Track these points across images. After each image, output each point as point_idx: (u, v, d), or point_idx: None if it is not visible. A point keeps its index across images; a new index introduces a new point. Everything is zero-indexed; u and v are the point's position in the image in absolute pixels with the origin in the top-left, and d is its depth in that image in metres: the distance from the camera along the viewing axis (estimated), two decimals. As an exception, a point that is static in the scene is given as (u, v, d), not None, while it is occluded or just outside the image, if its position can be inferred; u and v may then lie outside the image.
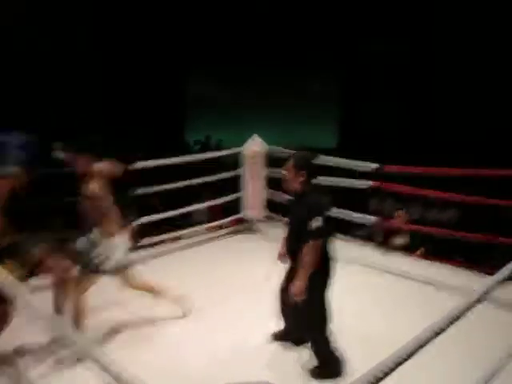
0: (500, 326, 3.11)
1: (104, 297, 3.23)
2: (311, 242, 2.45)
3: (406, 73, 10.86)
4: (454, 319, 1.06)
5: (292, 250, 2.64)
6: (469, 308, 1.13)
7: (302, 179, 2.58)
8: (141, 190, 4.62)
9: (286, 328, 2.96)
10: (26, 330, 2.74)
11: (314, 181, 2.65)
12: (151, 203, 6.14)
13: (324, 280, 2.60)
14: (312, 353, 2.66)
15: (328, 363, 2.65)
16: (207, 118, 12.82)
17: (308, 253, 2.46)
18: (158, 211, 5.11)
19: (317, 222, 2.45)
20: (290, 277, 2.64)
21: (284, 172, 2.67)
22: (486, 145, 8.44)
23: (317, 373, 2.64)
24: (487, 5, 9.19)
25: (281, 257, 2.81)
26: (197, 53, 12.26)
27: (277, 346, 2.93)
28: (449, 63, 9.82)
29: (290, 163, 2.62)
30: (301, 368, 2.67)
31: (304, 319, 2.67)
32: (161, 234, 5.08)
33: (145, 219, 4.78)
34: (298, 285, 2.48)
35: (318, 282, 2.56)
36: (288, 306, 2.72)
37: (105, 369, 1.08)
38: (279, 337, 2.97)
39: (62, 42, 10.15)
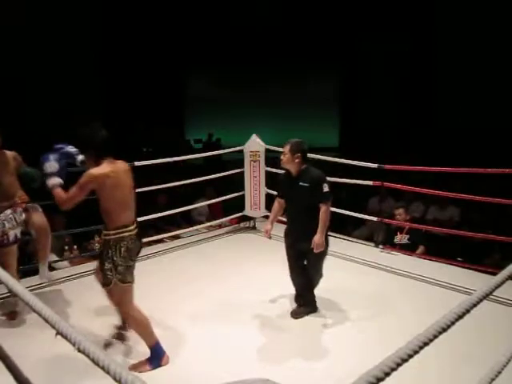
0: (502, 324, 3.10)
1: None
2: (327, 204, 2.95)
3: (407, 72, 10.85)
4: (456, 318, 1.05)
5: (299, 220, 3.09)
6: (472, 307, 1.12)
7: (297, 161, 3.01)
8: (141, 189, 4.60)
9: (296, 293, 3.31)
10: None
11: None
12: (158, 201, 6.12)
13: (327, 242, 3.05)
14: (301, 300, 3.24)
15: (311, 306, 3.25)
16: (207, 117, 12.82)
17: (325, 212, 2.95)
18: (165, 210, 5.08)
19: (327, 188, 2.95)
20: (295, 238, 3.11)
21: (282, 156, 3.09)
22: (485, 144, 8.44)
23: (299, 312, 3.21)
24: (487, 4, 9.18)
25: (267, 232, 3.18)
26: (197, 53, 12.27)
27: (278, 343, 2.93)
28: (449, 62, 9.81)
29: (287, 148, 3.05)
30: (302, 365, 2.67)
31: (308, 277, 3.17)
32: (160, 232, 5.08)
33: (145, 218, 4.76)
34: (319, 237, 2.93)
35: (325, 242, 3.02)
36: (295, 270, 3.19)
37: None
38: (294, 313, 3.25)
39: (63, 43, 10.15)
